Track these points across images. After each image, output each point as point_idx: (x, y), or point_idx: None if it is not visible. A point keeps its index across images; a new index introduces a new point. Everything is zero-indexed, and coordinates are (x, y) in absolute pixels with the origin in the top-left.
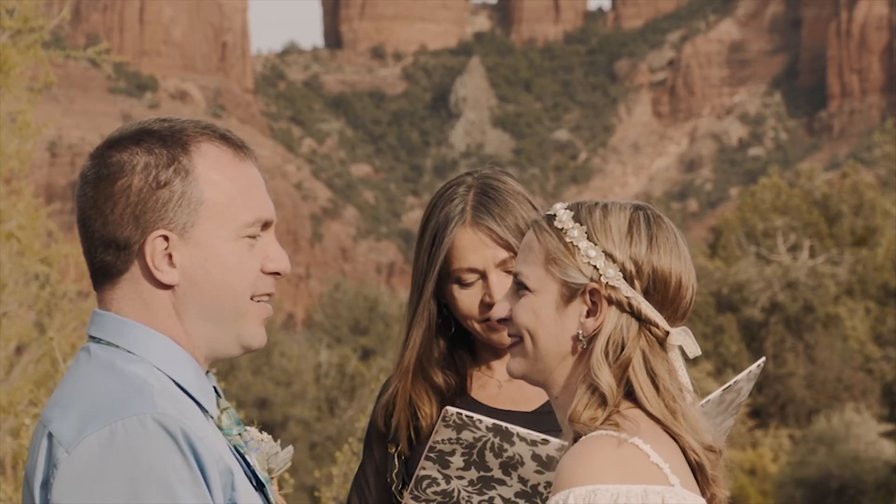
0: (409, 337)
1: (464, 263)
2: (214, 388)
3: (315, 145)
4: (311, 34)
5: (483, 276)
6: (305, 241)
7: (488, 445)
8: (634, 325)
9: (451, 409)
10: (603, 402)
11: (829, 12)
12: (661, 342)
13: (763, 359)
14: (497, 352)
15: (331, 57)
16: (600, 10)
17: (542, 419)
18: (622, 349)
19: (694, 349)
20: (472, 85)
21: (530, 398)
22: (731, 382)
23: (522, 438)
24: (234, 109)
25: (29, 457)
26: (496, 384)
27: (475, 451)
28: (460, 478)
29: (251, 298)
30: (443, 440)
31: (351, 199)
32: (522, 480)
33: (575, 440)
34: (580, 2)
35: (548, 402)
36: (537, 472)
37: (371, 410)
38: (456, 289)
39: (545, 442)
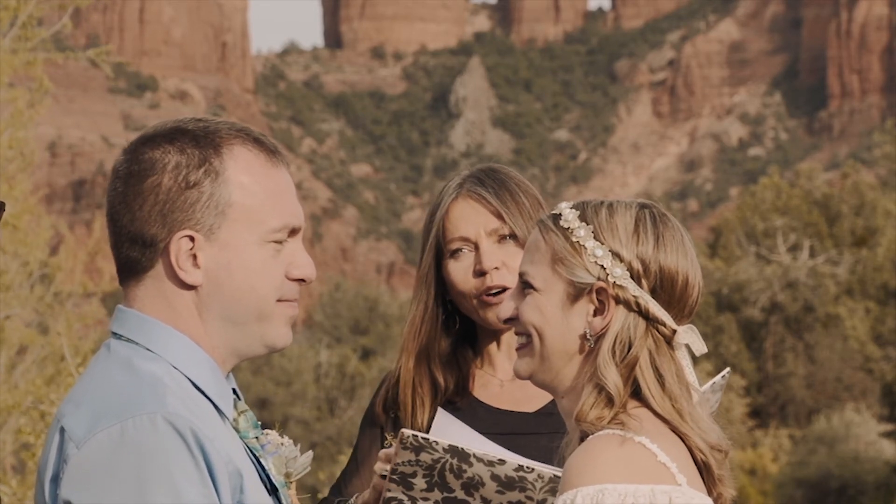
0: (412, 316)
1: (456, 233)
2: (234, 390)
3: (315, 145)
4: (311, 34)
5: (476, 247)
6: (305, 241)
7: (447, 467)
8: (642, 324)
9: (406, 432)
10: (609, 401)
11: (829, 12)
12: (669, 341)
13: (728, 369)
14: (500, 345)
15: (331, 57)
16: (600, 10)
17: (544, 420)
18: (629, 348)
19: (700, 347)
20: (472, 85)
21: (532, 398)
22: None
23: (479, 459)
24: (234, 109)
25: (42, 451)
26: (498, 383)
27: (436, 473)
28: (425, 499)
29: (278, 301)
30: (403, 462)
31: (351, 199)
32: (485, 501)
33: (581, 440)
34: (580, 2)
35: (550, 403)
36: (498, 492)
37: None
38: (451, 263)
39: (502, 462)
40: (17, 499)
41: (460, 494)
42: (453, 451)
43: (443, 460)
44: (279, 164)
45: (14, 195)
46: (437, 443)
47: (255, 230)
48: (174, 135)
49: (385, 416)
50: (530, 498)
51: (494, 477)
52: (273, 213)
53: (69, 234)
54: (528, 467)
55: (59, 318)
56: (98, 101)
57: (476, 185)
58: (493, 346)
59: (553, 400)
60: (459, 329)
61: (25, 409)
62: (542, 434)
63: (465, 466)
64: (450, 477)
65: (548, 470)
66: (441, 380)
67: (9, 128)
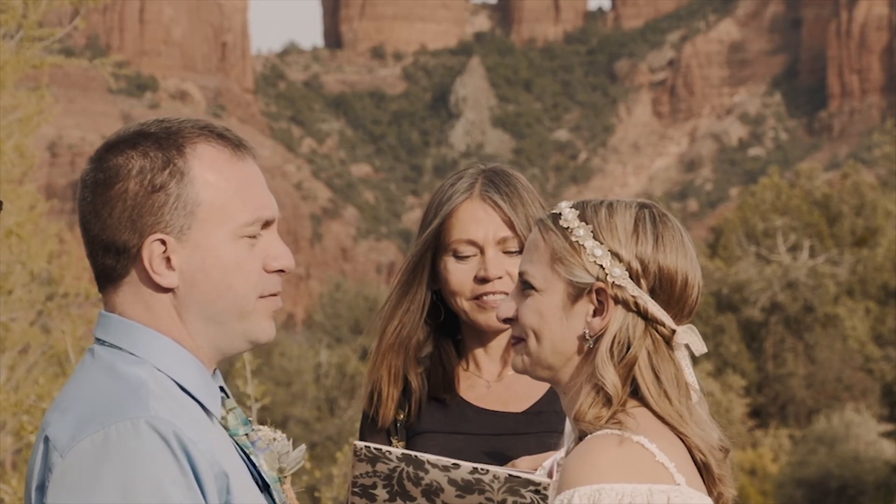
0: (399, 306)
1: (464, 235)
2: (222, 388)
3: (315, 145)
4: (311, 34)
5: (481, 251)
6: (305, 241)
7: (404, 475)
8: (640, 324)
9: (359, 444)
10: (608, 401)
11: (829, 12)
12: (668, 341)
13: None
14: (485, 348)
15: (331, 57)
16: (600, 10)
17: (533, 419)
18: (628, 348)
19: (700, 347)
20: (472, 85)
21: (520, 398)
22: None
23: (434, 465)
24: (234, 109)
25: (29, 460)
26: (485, 384)
27: (394, 482)
28: None
29: (260, 297)
30: (361, 474)
31: (351, 199)
32: None
33: (580, 439)
34: (580, 2)
35: (538, 403)
36: (458, 496)
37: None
38: (451, 261)
39: (456, 466)
40: (18, 498)
41: (422, 502)
42: (407, 458)
43: (399, 469)
44: (245, 157)
45: (20, 205)
46: (390, 452)
47: (226, 227)
48: (137, 139)
49: (370, 410)
50: (490, 500)
51: (452, 481)
52: (243, 207)
53: (70, 234)
54: (482, 469)
55: (64, 319)
56: (98, 101)
57: (490, 188)
58: (479, 351)
59: (541, 399)
60: (442, 323)
61: (27, 408)
62: (532, 434)
63: (421, 473)
64: (409, 485)
65: (502, 470)
66: (414, 376)
67: (14, 133)
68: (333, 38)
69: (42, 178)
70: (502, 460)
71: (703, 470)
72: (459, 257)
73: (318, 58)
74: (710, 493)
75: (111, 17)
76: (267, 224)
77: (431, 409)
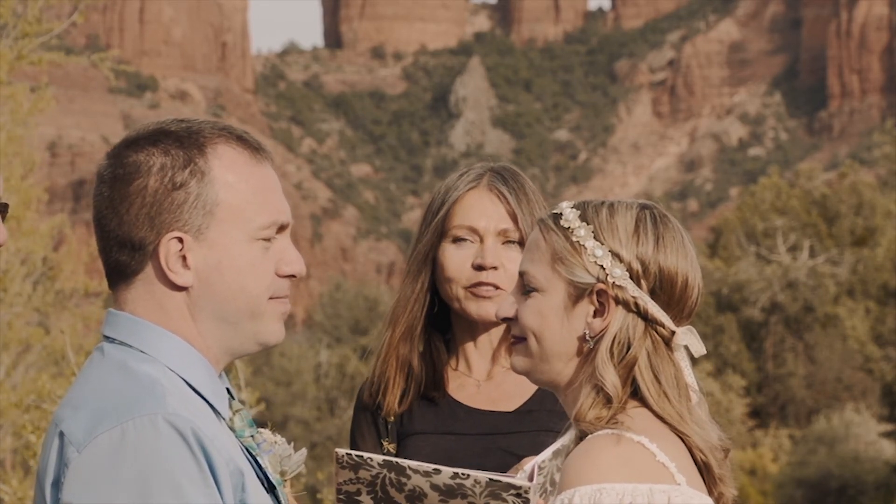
0: (411, 296)
1: (465, 221)
2: (228, 389)
3: (315, 145)
4: (311, 34)
5: (481, 239)
6: (305, 241)
7: (387, 481)
8: (640, 324)
9: (340, 451)
10: (608, 401)
11: (829, 12)
12: (667, 342)
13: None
14: (475, 343)
15: (331, 57)
16: (600, 10)
17: (524, 418)
18: (628, 349)
19: (699, 348)
20: (472, 85)
21: (510, 397)
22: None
23: (415, 470)
24: (234, 109)
25: (41, 456)
26: (475, 384)
27: (378, 488)
28: None
29: (270, 298)
30: (345, 481)
31: (351, 199)
32: None
33: (580, 439)
34: (580, 2)
35: (529, 401)
36: (441, 501)
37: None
38: (449, 247)
39: (437, 471)
40: (18, 498)
41: None
42: (388, 464)
43: (381, 475)
44: (263, 161)
45: (12, 186)
46: (371, 458)
47: (243, 228)
48: (157, 137)
49: (372, 400)
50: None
51: (434, 487)
52: (260, 210)
53: (69, 231)
54: (463, 474)
55: (62, 317)
56: (98, 101)
57: (498, 181)
58: (469, 346)
59: (532, 397)
60: (437, 314)
61: (27, 408)
62: (524, 432)
63: (403, 479)
64: (392, 491)
65: (482, 475)
66: (416, 365)
67: (7, 124)
68: (333, 38)
69: (42, 178)
70: (495, 459)
71: (704, 470)
72: (458, 240)
73: (318, 58)
74: (710, 492)
75: (111, 16)
76: (282, 228)
77: (422, 409)
